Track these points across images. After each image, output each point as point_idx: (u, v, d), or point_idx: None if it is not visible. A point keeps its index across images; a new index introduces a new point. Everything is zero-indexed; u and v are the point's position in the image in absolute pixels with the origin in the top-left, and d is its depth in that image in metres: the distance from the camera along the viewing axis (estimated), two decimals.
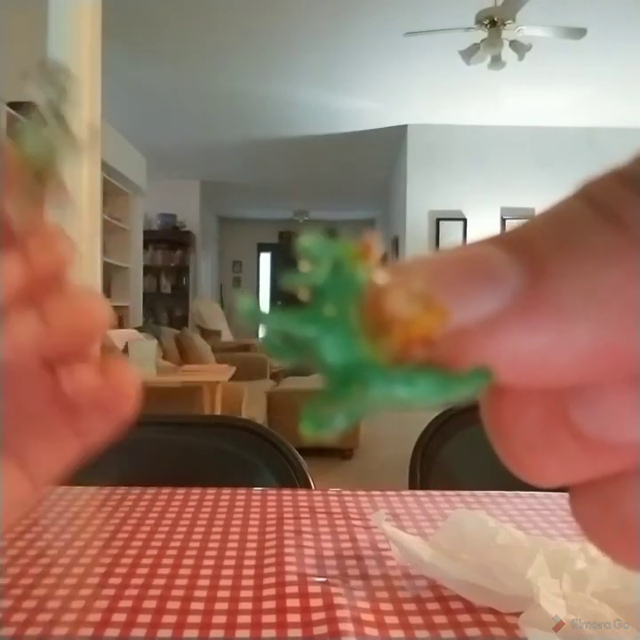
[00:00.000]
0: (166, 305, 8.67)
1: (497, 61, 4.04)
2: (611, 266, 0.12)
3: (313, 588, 0.62)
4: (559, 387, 0.13)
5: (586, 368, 0.12)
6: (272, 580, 0.64)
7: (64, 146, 0.20)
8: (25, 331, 0.20)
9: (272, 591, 0.62)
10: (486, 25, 3.79)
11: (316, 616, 0.57)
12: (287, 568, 0.67)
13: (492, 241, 0.13)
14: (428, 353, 0.13)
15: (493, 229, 6.60)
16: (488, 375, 0.13)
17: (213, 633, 0.55)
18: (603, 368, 0.12)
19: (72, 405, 0.21)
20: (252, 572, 0.67)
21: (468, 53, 4.01)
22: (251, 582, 0.64)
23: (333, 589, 0.61)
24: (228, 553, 0.72)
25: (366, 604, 0.59)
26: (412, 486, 1.12)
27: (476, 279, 0.12)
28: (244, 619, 0.57)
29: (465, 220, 6.60)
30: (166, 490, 0.93)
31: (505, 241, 0.13)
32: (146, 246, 8.04)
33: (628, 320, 0.12)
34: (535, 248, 0.12)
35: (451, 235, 6.59)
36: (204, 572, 0.67)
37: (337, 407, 0.13)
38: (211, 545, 0.74)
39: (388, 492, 0.93)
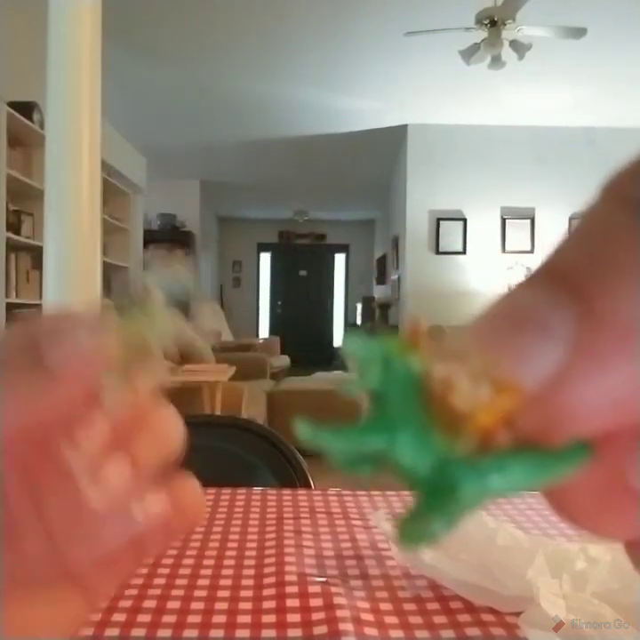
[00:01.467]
0: None
1: (497, 61, 4.04)
2: None
3: (313, 588, 0.62)
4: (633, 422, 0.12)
5: None
6: (272, 579, 0.64)
7: (156, 335, 0.20)
8: (119, 478, 0.20)
9: (272, 591, 0.62)
10: (486, 25, 3.79)
11: (315, 616, 0.57)
12: (287, 568, 0.67)
13: (531, 283, 0.12)
14: (512, 433, 0.12)
15: (493, 229, 6.60)
16: (588, 447, 0.12)
17: (213, 633, 0.55)
18: None
19: (138, 528, 0.21)
20: (252, 572, 0.67)
21: (468, 53, 4.01)
22: (251, 582, 0.64)
23: (333, 589, 0.61)
24: (228, 553, 0.72)
25: (366, 604, 0.59)
26: None
27: (527, 337, 0.11)
28: (243, 619, 0.57)
29: (465, 220, 6.60)
30: None
31: (542, 279, 0.12)
32: (146, 246, 8.04)
33: None
34: (575, 278, 0.11)
35: (451, 234, 6.59)
36: (203, 571, 0.67)
37: (433, 516, 0.12)
38: (211, 545, 0.74)
39: (388, 492, 0.93)
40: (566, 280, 0.11)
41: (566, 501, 0.13)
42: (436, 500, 0.12)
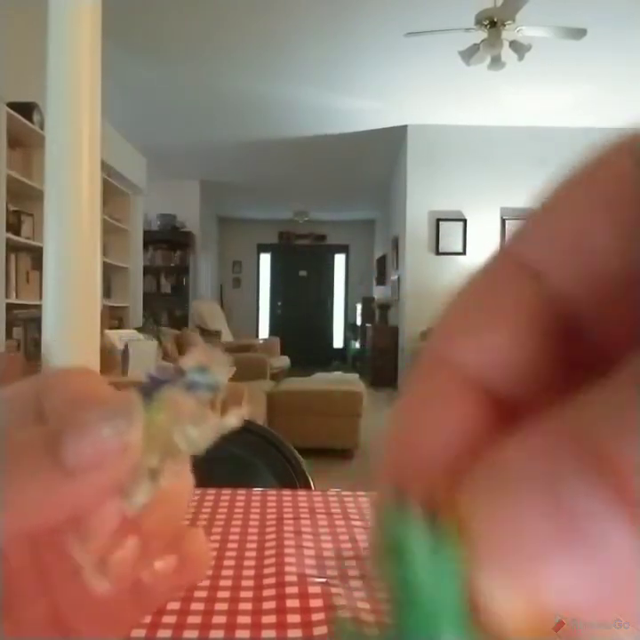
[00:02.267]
0: (166, 305, 8.67)
1: (497, 62, 4.04)
2: None
3: (313, 589, 0.62)
4: None
5: None
6: (272, 580, 0.64)
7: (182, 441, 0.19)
8: (127, 565, 0.19)
9: (272, 591, 0.62)
10: (486, 25, 3.79)
11: (316, 616, 0.57)
12: (287, 568, 0.66)
13: (545, 433, 0.09)
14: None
15: (493, 229, 6.60)
16: None
17: (213, 633, 0.55)
18: None
19: (144, 588, 0.21)
20: (252, 572, 0.67)
21: (468, 54, 4.01)
22: (251, 582, 0.64)
23: (333, 589, 0.61)
24: (228, 553, 0.72)
25: (366, 605, 0.59)
26: None
27: (568, 549, 0.09)
28: (243, 619, 0.57)
29: (465, 221, 6.60)
30: None
31: (559, 431, 0.09)
32: (146, 246, 8.04)
33: None
34: (599, 441, 0.09)
35: (451, 235, 6.59)
36: None
37: None
38: (211, 545, 0.74)
39: None
40: (595, 451, 0.09)
41: None
42: None
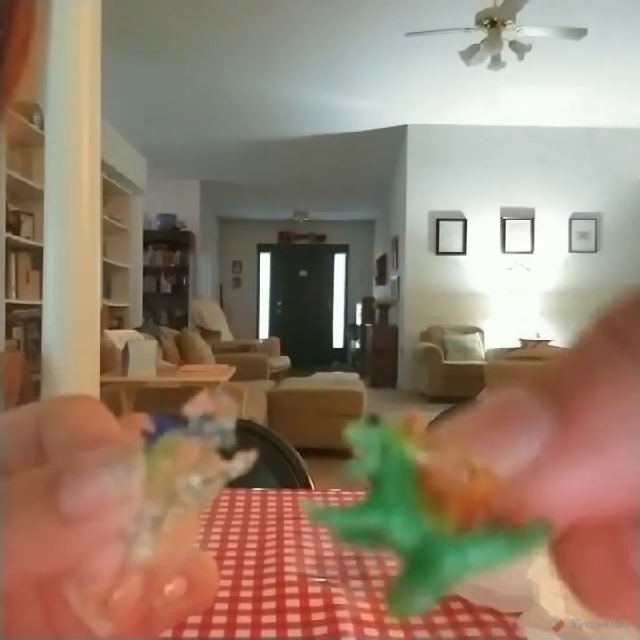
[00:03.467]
0: (166, 305, 8.67)
1: (497, 62, 4.04)
2: (634, 391, 0.12)
3: (313, 589, 0.61)
4: (621, 514, 0.13)
5: (636, 494, 0.12)
6: (272, 580, 0.64)
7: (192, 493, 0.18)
8: (128, 607, 0.19)
9: (272, 591, 0.62)
10: (486, 25, 3.79)
11: (315, 616, 0.57)
12: (287, 568, 0.66)
13: (524, 384, 0.14)
14: (489, 514, 0.13)
15: (493, 229, 6.60)
16: (547, 526, 0.13)
17: (213, 633, 0.55)
18: None
19: (149, 618, 0.21)
20: (251, 572, 0.67)
21: (468, 54, 4.01)
22: (251, 582, 0.64)
23: (333, 589, 0.61)
24: (228, 553, 0.72)
25: (366, 604, 0.59)
26: None
27: (510, 429, 0.13)
28: (243, 619, 0.57)
29: (465, 220, 6.60)
30: None
31: (534, 382, 0.13)
32: (146, 246, 8.04)
33: None
34: (561, 387, 0.13)
35: (451, 235, 6.59)
36: None
37: (417, 586, 0.14)
38: (211, 545, 0.74)
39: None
40: (555, 390, 0.13)
41: (581, 587, 0.15)
42: (420, 572, 0.14)
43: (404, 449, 0.14)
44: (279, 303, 12.03)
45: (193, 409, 0.18)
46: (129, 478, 0.17)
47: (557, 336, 6.27)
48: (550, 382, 0.13)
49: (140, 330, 4.86)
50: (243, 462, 0.19)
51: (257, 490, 0.94)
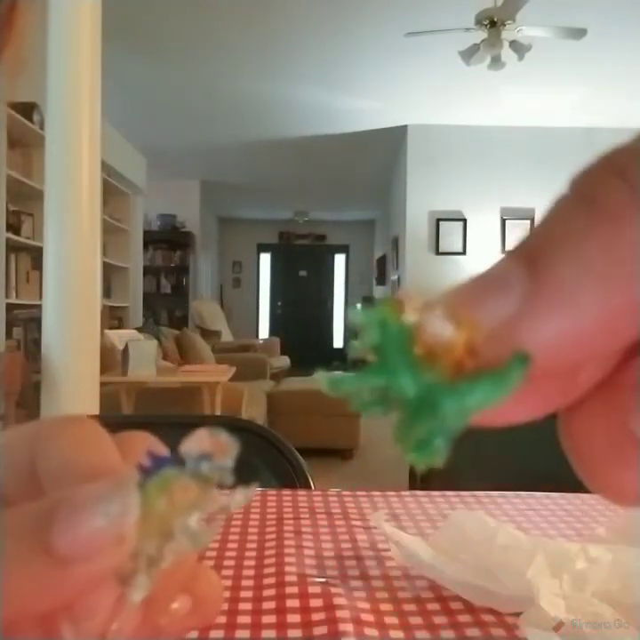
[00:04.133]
0: (166, 305, 8.67)
1: (497, 62, 4.04)
2: (593, 238, 0.13)
3: (313, 589, 0.61)
4: (598, 357, 0.15)
5: (608, 331, 0.14)
6: (272, 580, 0.64)
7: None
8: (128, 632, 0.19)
9: (272, 591, 0.62)
10: (486, 25, 3.79)
11: (315, 616, 0.57)
12: (287, 568, 0.66)
13: (507, 256, 0.16)
14: (476, 362, 0.15)
15: (493, 229, 6.60)
16: (526, 357, 0.14)
17: (213, 633, 0.55)
18: (624, 327, 0.14)
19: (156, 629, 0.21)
20: (251, 572, 0.67)
21: (468, 54, 4.01)
22: (251, 582, 0.64)
23: (333, 590, 0.61)
24: (228, 553, 0.72)
25: (366, 605, 0.59)
26: (412, 486, 1.12)
27: (489, 289, 0.15)
28: (243, 619, 0.57)
29: (465, 220, 6.60)
30: None
31: (512, 251, 0.15)
32: (146, 246, 8.04)
33: (628, 278, 0.13)
34: (532, 247, 0.15)
35: (451, 235, 6.59)
36: None
37: (419, 426, 0.16)
38: (211, 545, 0.74)
39: (388, 493, 0.93)
40: (528, 250, 0.15)
41: (584, 459, 0.16)
42: (422, 413, 0.15)
43: (399, 319, 0.16)
44: (279, 303, 12.03)
45: (190, 447, 0.18)
46: (124, 517, 0.16)
47: None
48: (522, 248, 0.15)
49: (140, 330, 4.86)
50: (243, 497, 0.18)
51: (257, 490, 0.94)
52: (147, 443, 0.20)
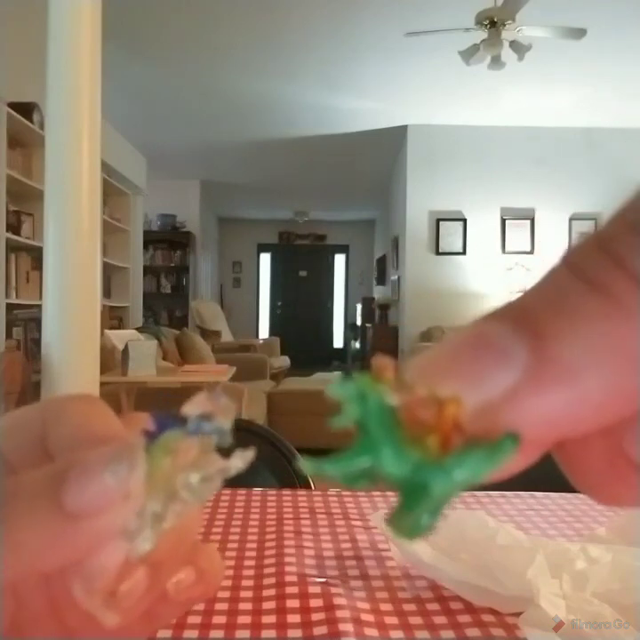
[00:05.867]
0: (166, 305, 8.67)
1: (497, 62, 4.04)
2: (597, 323, 0.13)
3: (313, 589, 0.62)
4: (590, 434, 0.15)
5: (607, 413, 0.14)
6: (272, 580, 0.64)
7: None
8: (135, 597, 0.19)
9: (272, 591, 0.62)
10: (486, 25, 3.79)
11: (315, 616, 0.57)
12: (287, 568, 0.66)
13: (495, 316, 0.15)
14: (464, 437, 0.15)
15: (493, 229, 6.60)
16: (516, 438, 0.14)
17: (213, 633, 0.55)
18: (622, 410, 0.14)
19: (155, 608, 0.22)
20: (251, 572, 0.67)
21: (468, 54, 4.01)
22: (251, 582, 0.64)
23: (333, 590, 0.61)
24: (228, 553, 0.72)
25: (366, 605, 0.59)
26: None
27: (486, 360, 0.14)
28: (243, 619, 0.57)
29: (465, 220, 6.60)
30: None
31: (506, 315, 0.15)
32: (146, 246, 8.03)
33: (629, 365, 0.13)
34: (533, 318, 0.14)
35: (451, 235, 6.59)
36: None
37: (414, 510, 0.15)
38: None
39: (388, 493, 0.93)
40: (528, 318, 0.14)
41: (585, 477, 0.16)
42: (414, 498, 0.15)
43: (380, 393, 0.15)
44: (279, 303, 12.02)
45: (192, 408, 0.19)
46: (131, 476, 0.17)
47: None
48: (522, 315, 0.14)
49: (139, 330, 4.86)
50: (241, 460, 0.19)
51: (257, 490, 0.94)
52: (148, 420, 0.21)
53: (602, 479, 0.16)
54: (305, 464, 0.16)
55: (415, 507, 0.15)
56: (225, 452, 0.19)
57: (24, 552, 0.17)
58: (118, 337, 3.98)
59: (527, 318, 0.14)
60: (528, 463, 0.16)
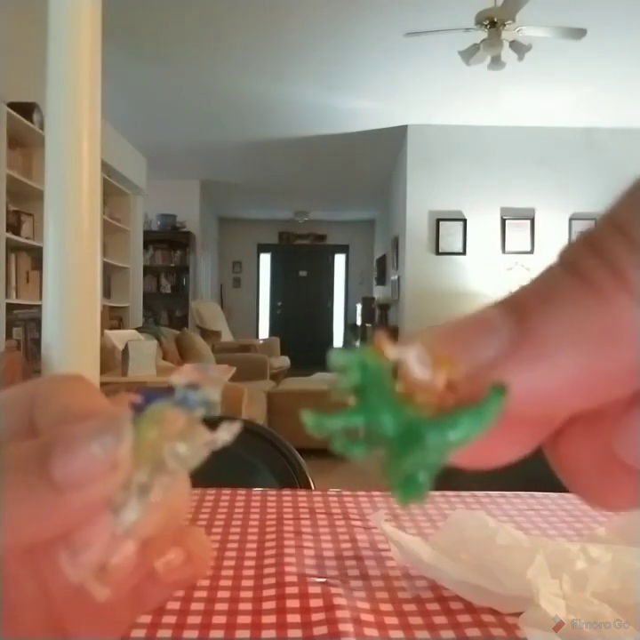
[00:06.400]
0: (166, 305, 8.67)
1: (497, 62, 4.04)
2: (577, 307, 0.15)
3: (313, 589, 0.61)
4: (569, 410, 0.16)
5: (582, 391, 0.15)
6: (272, 580, 0.64)
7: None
8: (124, 570, 0.19)
9: (272, 591, 0.62)
10: (486, 25, 3.79)
11: (315, 616, 0.57)
12: (287, 568, 0.66)
13: (493, 304, 0.17)
14: (457, 398, 0.16)
15: (493, 229, 6.60)
16: (503, 389, 0.15)
17: (213, 633, 0.55)
18: (598, 390, 0.15)
19: (144, 588, 0.22)
20: (251, 572, 0.67)
21: (468, 54, 4.01)
22: (251, 582, 0.64)
23: (333, 590, 0.61)
24: (228, 553, 0.72)
25: (366, 605, 0.59)
26: None
27: (478, 331, 0.16)
28: (243, 619, 0.57)
29: (465, 221, 6.60)
30: None
31: (501, 302, 0.17)
32: (146, 246, 8.03)
33: (603, 346, 0.15)
34: (522, 302, 0.16)
35: (451, 235, 6.59)
36: None
37: (406, 460, 0.16)
38: (211, 543, 0.74)
39: (388, 493, 0.93)
40: (518, 303, 0.16)
41: (577, 479, 0.17)
42: (407, 452, 0.16)
43: (379, 360, 0.16)
44: (279, 303, 12.02)
45: (179, 378, 0.19)
46: (117, 447, 0.17)
47: None
48: (513, 302, 0.16)
49: (140, 330, 4.86)
50: (227, 432, 0.19)
51: (257, 490, 0.94)
52: (135, 399, 0.21)
53: (594, 483, 0.17)
54: (307, 416, 0.17)
55: (409, 461, 0.16)
56: (211, 425, 0.19)
57: (10, 525, 0.17)
58: (118, 337, 3.98)
59: (517, 302, 0.16)
60: (520, 451, 0.17)
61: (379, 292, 9.12)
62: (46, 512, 0.17)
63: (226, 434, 0.19)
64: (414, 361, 0.16)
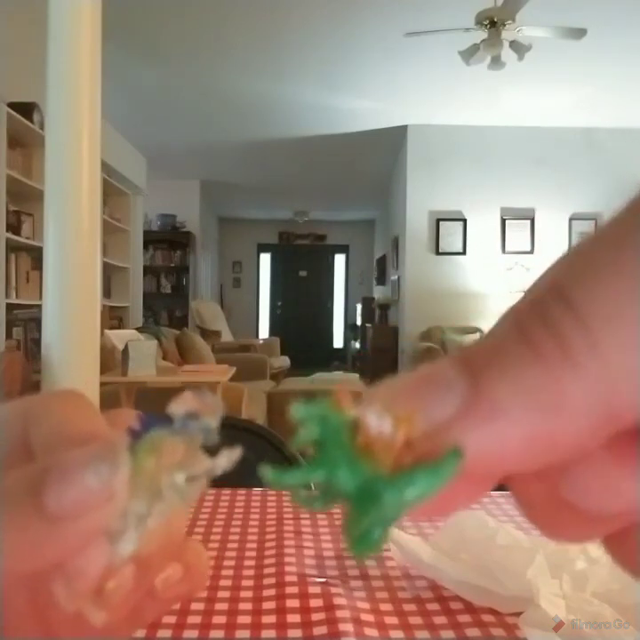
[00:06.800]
0: (166, 305, 8.67)
1: (497, 62, 4.04)
2: (525, 376, 0.15)
3: (313, 589, 0.61)
4: (521, 468, 0.16)
5: (530, 454, 0.15)
6: (272, 580, 0.64)
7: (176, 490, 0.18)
8: (121, 595, 0.19)
9: (272, 591, 0.62)
10: (486, 25, 3.79)
11: (315, 616, 0.57)
12: (287, 568, 0.66)
13: (447, 360, 0.17)
14: (414, 456, 0.16)
15: (493, 229, 6.61)
16: (460, 452, 0.15)
17: (213, 633, 0.55)
18: (546, 453, 0.15)
19: (142, 605, 0.22)
20: (251, 572, 0.67)
21: (468, 54, 4.01)
22: (251, 582, 0.64)
23: (333, 589, 0.61)
24: (228, 553, 0.72)
25: (366, 605, 0.59)
26: None
27: (431, 386, 0.16)
28: (243, 619, 0.57)
29: (465, 221, 6.60)
30: None
31: (455, 359, 0.17)
32: (146, 246, 8.04)
33: (548, 416, 0.15)
34: (473, 359, 0.16)
35: (451, 235, 6.59)
36: None
37: (364, 521, 0.16)
38: (211, 545, 0.74)
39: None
40: (470, 360, 0.16)
41: (530, 512, 0.18)
42: (365, 510, 0.16)
43: (339, 415, 0.16)
44: (279, 303, 12.02)
45: (178, 407, 0.19)
46: (113, 477, 0.17)
47: None
48: (467, 358, 0.16)
49: (140, 330, 4.86)
50: (227, 459, 0.19)
51: (257, 490, 0.94)
52: (133, 417, 0.21)
53: (546, 516, 0.17)
54: (268, 472, 0.17)
55: (366, 518, 0.16)
56: (212, 451, 0.19)
57: (5, 553, 0.17)
58: (118, 337, 3.98)
59: (469, 359, 0.16)
60: (475, 497, 0.18)
61: (379, 292, 9.12)
62: (40, 542, 0.17)
63: (225, 461, 0.19)
64: (373, 418, 0.16)
